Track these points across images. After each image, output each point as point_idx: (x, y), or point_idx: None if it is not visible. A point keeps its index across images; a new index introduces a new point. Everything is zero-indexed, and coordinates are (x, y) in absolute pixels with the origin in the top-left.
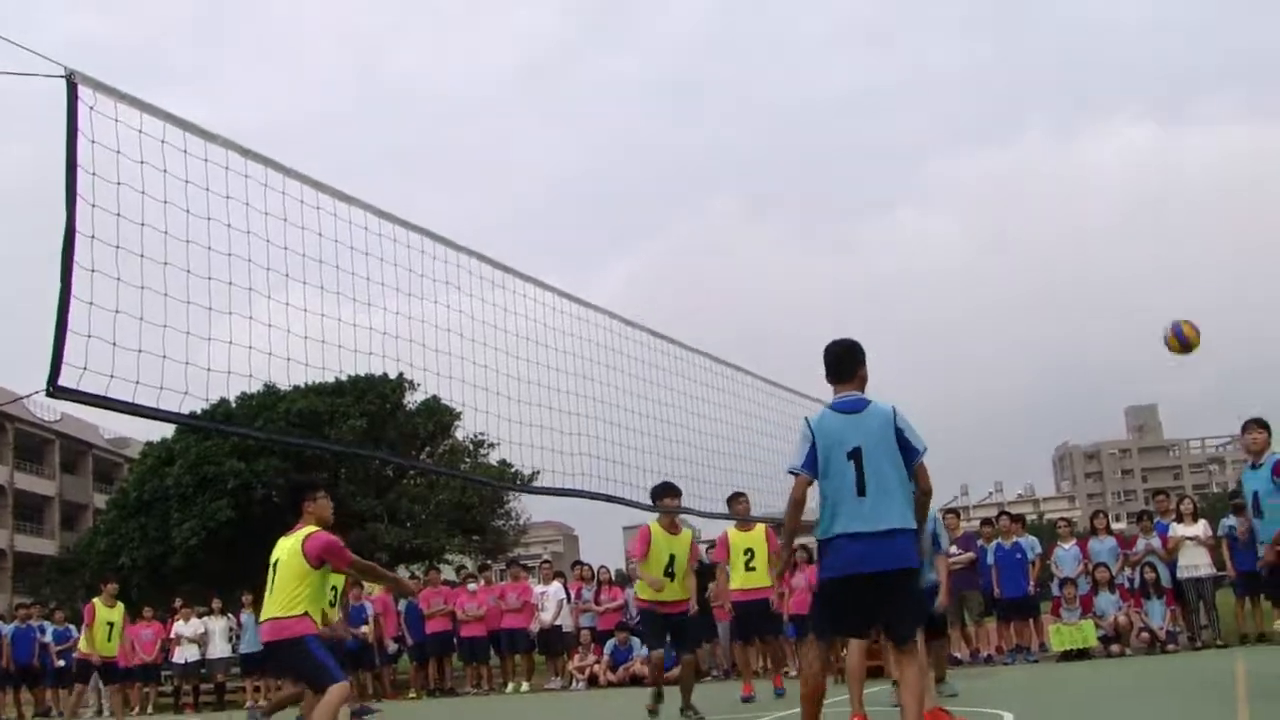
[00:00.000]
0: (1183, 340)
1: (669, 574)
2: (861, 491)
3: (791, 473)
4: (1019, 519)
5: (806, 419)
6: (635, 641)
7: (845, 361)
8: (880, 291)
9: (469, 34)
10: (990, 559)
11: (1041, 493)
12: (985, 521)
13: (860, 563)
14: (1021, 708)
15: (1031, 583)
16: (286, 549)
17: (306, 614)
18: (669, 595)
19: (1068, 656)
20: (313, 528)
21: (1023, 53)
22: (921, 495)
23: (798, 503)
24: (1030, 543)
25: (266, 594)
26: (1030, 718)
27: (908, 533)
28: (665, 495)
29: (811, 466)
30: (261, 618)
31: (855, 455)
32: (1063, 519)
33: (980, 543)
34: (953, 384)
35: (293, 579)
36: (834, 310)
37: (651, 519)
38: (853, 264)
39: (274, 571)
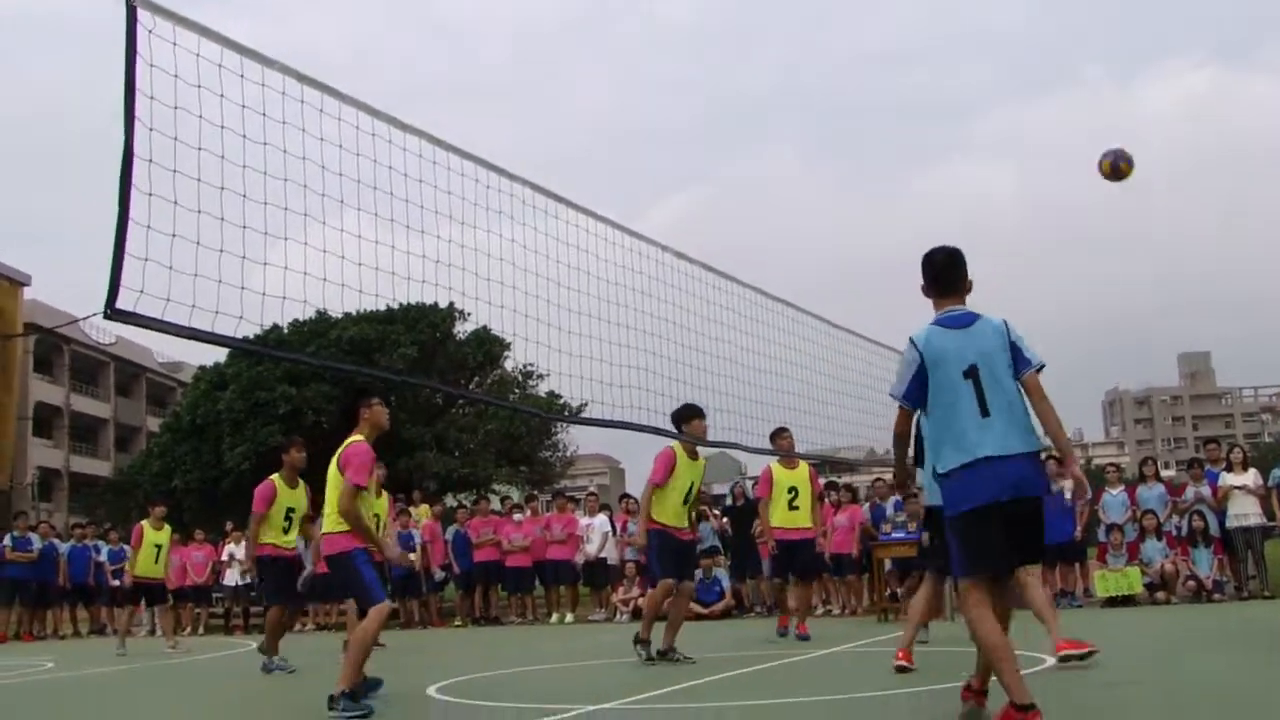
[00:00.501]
0: (1116, 171)
1: (686, 501)
2: (985, 412)
3: (894, 399)
4: None
5: (911, 338)
6: None
7: (950, 270)
8: (932, 238)
9: None
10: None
11: (1090, 437)
12: None
13: (1002, 489)
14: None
15: (1078, 528)
16: (332, 461)
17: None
18: (683, 521)
19: (1112, 603)
20: (358, 436)
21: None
22: (1041, 405)
23: (901, 437)
24: None
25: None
26: (1076, 663)
27: (1037, 457)
28: (693, 418)
29: (917, 393)
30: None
31: (972, 373)
32: (1111, 464)
33: None
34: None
35: (334, 490)
36: (884, 258)
37: (679, 443)
38: (905, 211)
39: (329, 485)
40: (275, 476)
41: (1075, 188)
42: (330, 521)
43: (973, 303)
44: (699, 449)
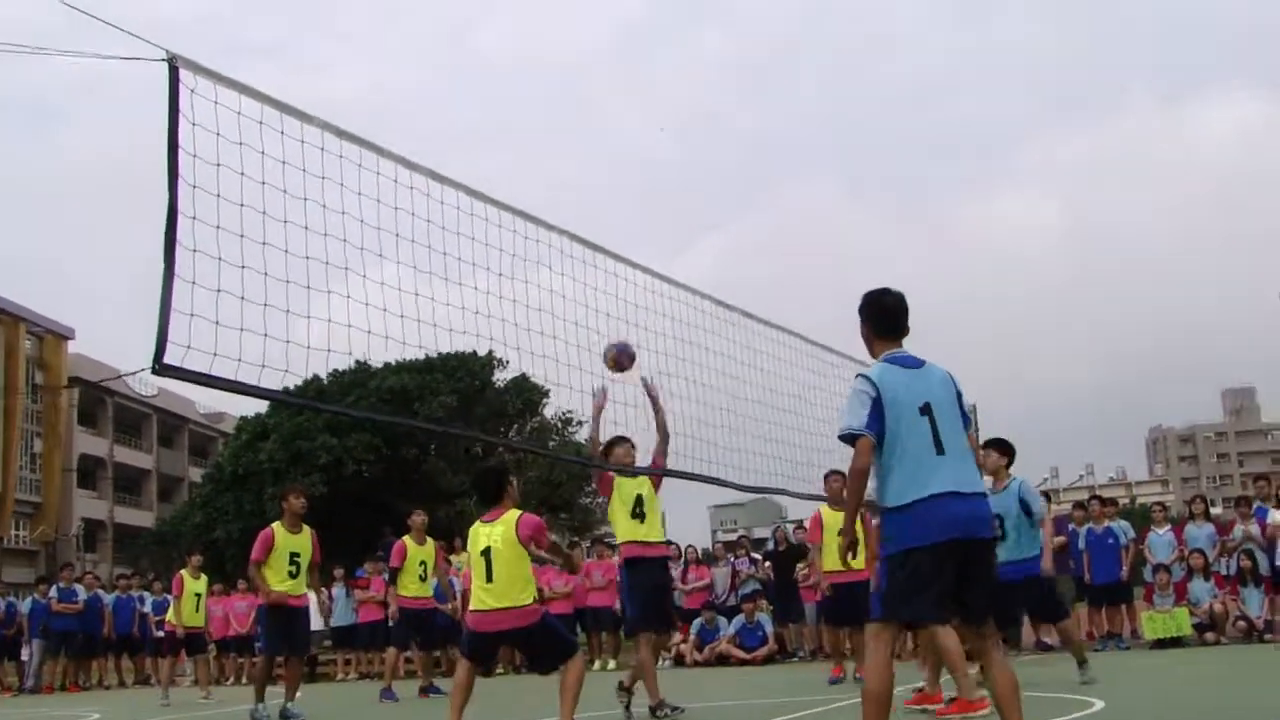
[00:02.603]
0: (619, 365)
1: (637, 514)
2: (940, 450)
3: (850, 434)
4: (1111, 503)
5: (864, 375)
6: (722, 621)
7: (902, 313)
8: (975, 270)
9: (559, 7)
10: (1081, 543)
11: (1134, 476)
12: (1077, 505)
13: (958, 526)
14: (1112, 696)
15: (1124, 568)
16: (499, 535)
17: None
18: (648, 534)
19: (1161, 644)
20: (517, 511)
21: (1121, 23)
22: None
23: (862, 471)
24: (1123, 527)
25: (481, 583)
26: (1121, 707)
27: (986, 499)
28: (614, 447)
29: (877, 425)
30: (488, 606)
31: (927, 411)
32: (1157, 503)
33: (1071, 526)
34: (1043, 364)
35: (517, 562)
36: (928, 289)
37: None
38: (948, 243)
39: (488, 560)
40: (276, 524)
41: (1122, 217)
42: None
43: (1007, 337)
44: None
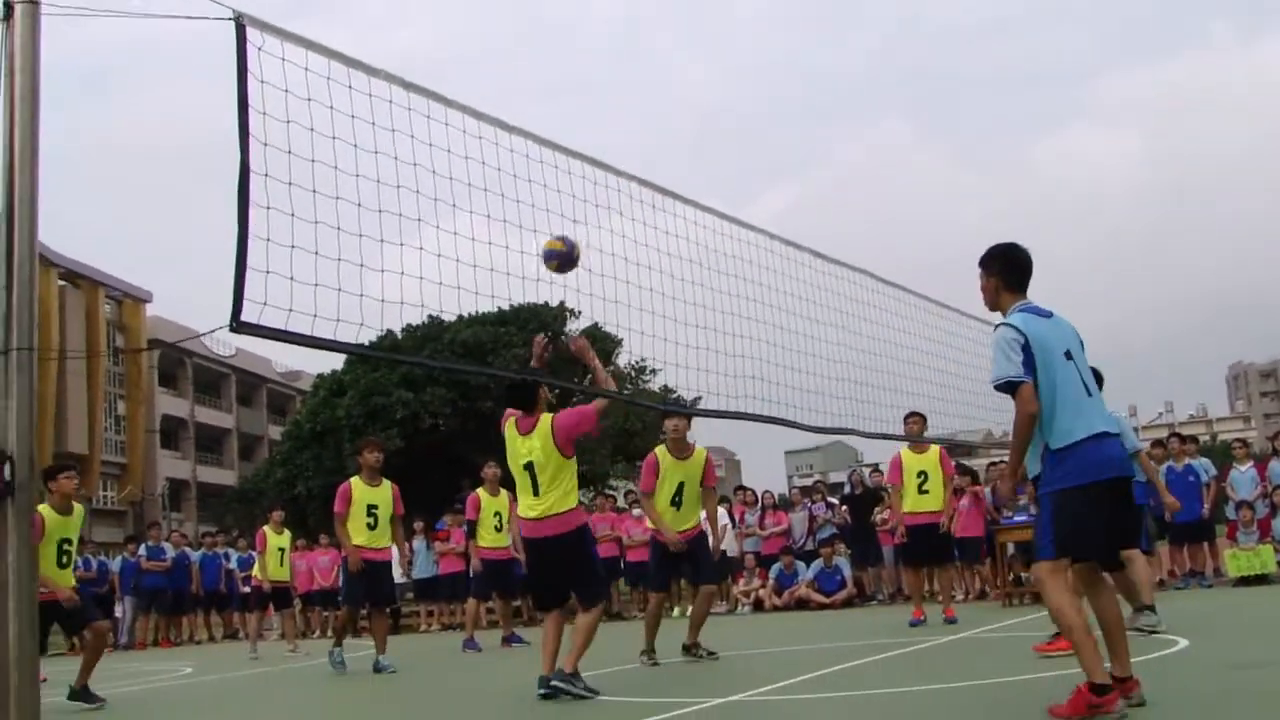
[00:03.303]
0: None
1: (675, 503)
2: (1089, 392)
3: (1009, 382)
4: (1191, 440)
5: (1008, 322)
6: (800, 565)
7: (1031, 267)
8: (1051, 210)
9: None
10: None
11: (1215, 413)
12: (1156, 443)
13: (1115, 465)
14: (1196, 635)
15: (1206, 506)
16: (539, 447)
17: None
18: (679, 523)
19: (1244, 582)
20: (549, 415)
21: None
22: None
23: (1032, 417)
24: (1203, 464)
25: (529, 498)
26: (1206, 645)
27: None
28: (666, 419)
29: (1031, 372)
30: (537, 513)
31: (1070, 357)
32: (1238, 440)
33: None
34: (1122, 300)
35: (560, 470)
36: (1002, 232)
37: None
38: (1024, 184)
39: (532, 474)
40: (354, 478)
41: (1199, 150)
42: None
43: (1086, 275)
44: (695, 445)
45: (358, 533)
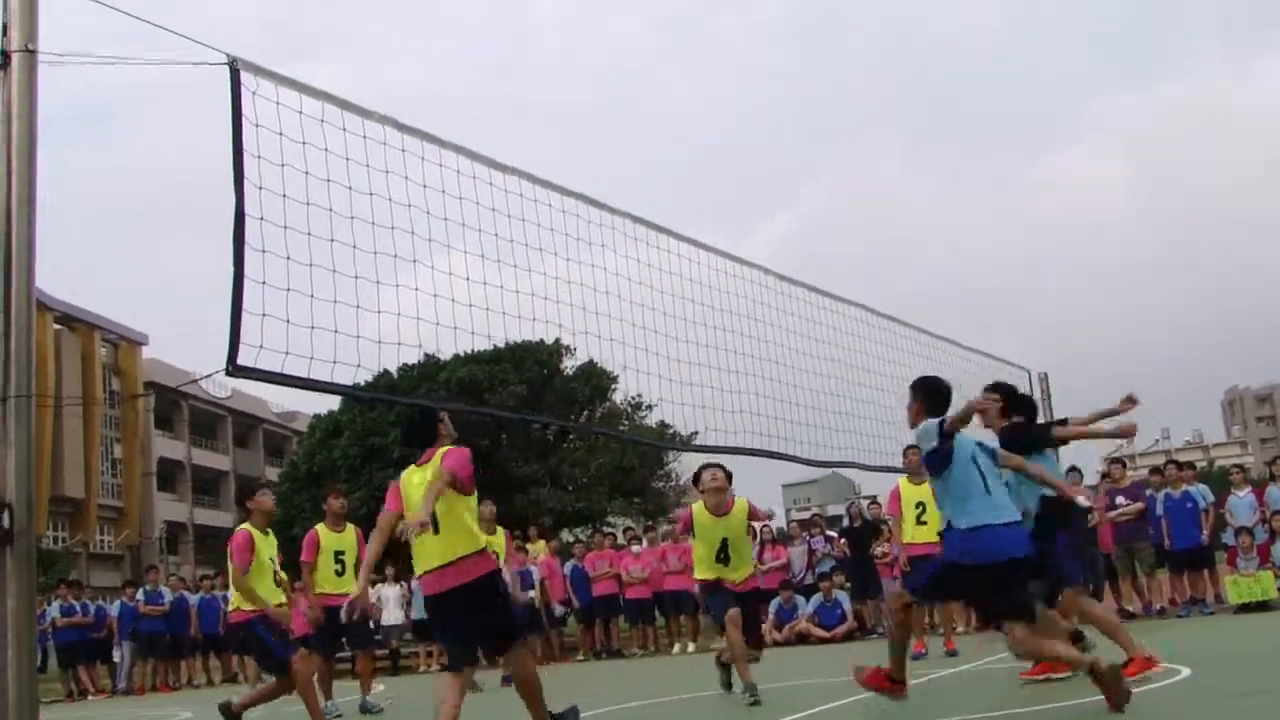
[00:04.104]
0: None
1: (721, 559)
2: (987, 489)
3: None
4: (1189, 466)
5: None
6: (800, 600)
7: (950, 397)
8: (1043, 234)
9: None
10: (1159, 509)
11: (1211, 439)
12: (1154, 470)
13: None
14: (1198, 664)
15: (1205, 532)
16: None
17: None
18: (731, 575)
19: (1245, 609)
20: (445, 447)
21: None
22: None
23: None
24: (1201, 491)
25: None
26: (1208, 672)
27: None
28: (700, 475)
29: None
30: (433, 565)
31: (974, 459)
32: (1235, 466)
33: (1149, 492)
34: (1117, 326)
35: (454, 505)
36: (995, 256)
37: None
38: (1015, 207)
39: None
40: (319, 525)
41: (1194, 175)
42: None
43: (1079, 300)
44: (734, 497)
45: (326, 580)
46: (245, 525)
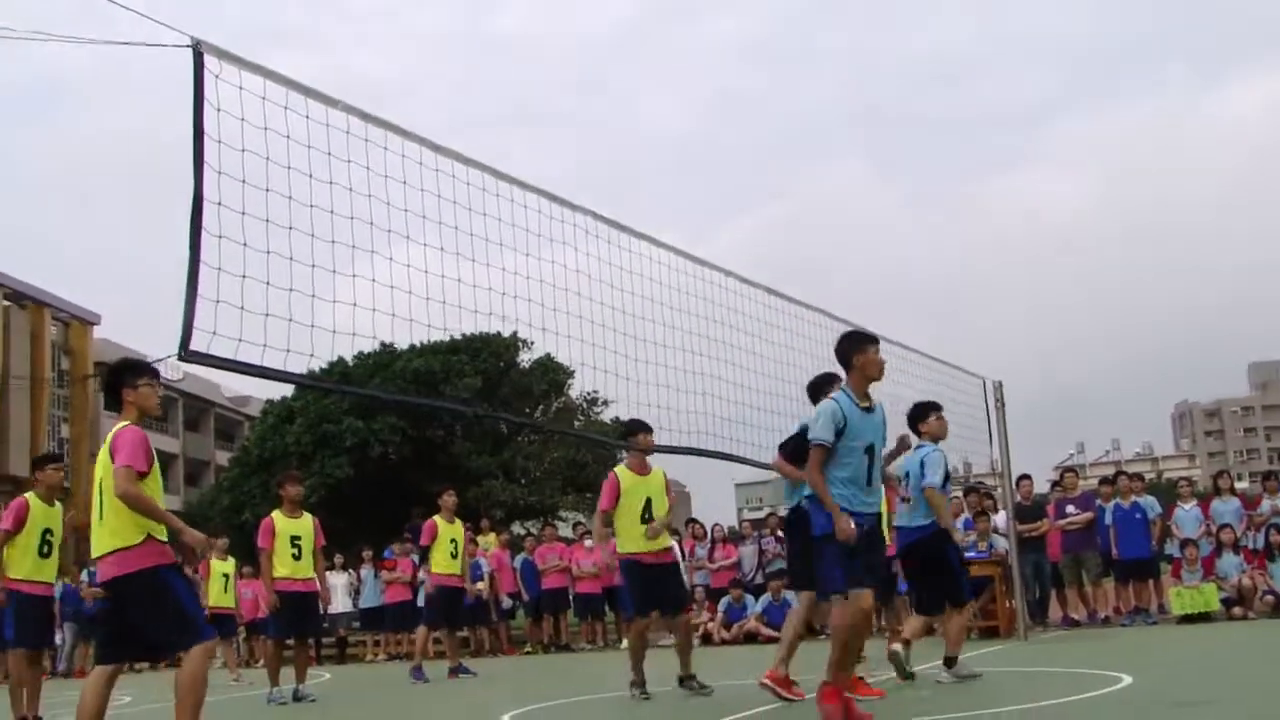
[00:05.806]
0: None
1: (646, 519)
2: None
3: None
4: (1138, 478)
5: (838, 401)
6: (750, 599)
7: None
8: (1002, 249)
9: None
10: (1109, 519)
11: (1160, 451)
12: (1104, 480)
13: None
14: (1139, 671)
15: (1152, 543)
16: (102, 460)
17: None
18: (653, 545)
19: (1188, 619)
20: (123, 422)
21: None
22: None
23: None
24: (1149, 503)
25: (96, 523)
26: (1149, 680)
27: None
28: (637, 432)
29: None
30: (100, 551)
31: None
32: (1183, 478)
33: (1099, 502)
34: (1068, 339)
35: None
36: (959, 269)
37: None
38: (977, 224)
39: (101, 491)
40: (275, 511)
41: (1150, 193)
42: (108, 535)
43: (1035, 314)
44: (652, 462)
45: (283, 564)
46: (27, 495)
